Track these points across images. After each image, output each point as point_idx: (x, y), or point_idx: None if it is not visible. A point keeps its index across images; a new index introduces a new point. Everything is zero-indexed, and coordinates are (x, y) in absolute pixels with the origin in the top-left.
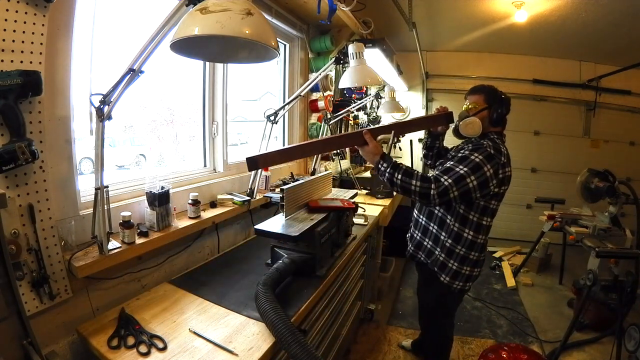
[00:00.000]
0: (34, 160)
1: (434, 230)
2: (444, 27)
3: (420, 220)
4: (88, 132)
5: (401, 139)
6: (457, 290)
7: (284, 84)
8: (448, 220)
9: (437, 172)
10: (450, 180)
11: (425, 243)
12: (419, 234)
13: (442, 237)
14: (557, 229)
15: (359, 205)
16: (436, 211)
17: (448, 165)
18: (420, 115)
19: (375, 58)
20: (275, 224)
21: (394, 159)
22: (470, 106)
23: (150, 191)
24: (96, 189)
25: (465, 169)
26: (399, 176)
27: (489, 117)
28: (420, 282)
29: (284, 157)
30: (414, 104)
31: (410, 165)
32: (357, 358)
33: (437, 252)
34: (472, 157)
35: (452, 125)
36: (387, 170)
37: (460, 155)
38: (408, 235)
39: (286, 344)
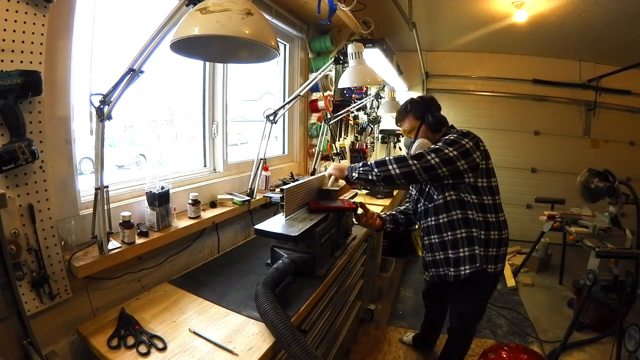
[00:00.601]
0: (34, 160)
1: (463, 234)
2: (444, 27)
3: (446, 237)
4: (88, 132)
5: (401, 139)
6: (499, 273)
7: (284, 84)
8: (470, 215)
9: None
10: (429, 151)
11: (461, 254)
12: (451, 252)
13: (474, 234)
14: (557, 229)
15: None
16: (455, 217)
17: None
18: (329, 203)
19: (375, 58)
20: (275, 224)
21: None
22: (408, 130)
23: (150, 191)
24: (96, 189)
25: (441, 144)
26: (375, 169)
27: (429, 127)
28: (460, 294)
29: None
30: None
31: None
32: (357, 358)
33: (476, 251)
34: (446, 137)
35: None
36: (361, 170)
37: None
38: (432, 270)
39: (286, 344)
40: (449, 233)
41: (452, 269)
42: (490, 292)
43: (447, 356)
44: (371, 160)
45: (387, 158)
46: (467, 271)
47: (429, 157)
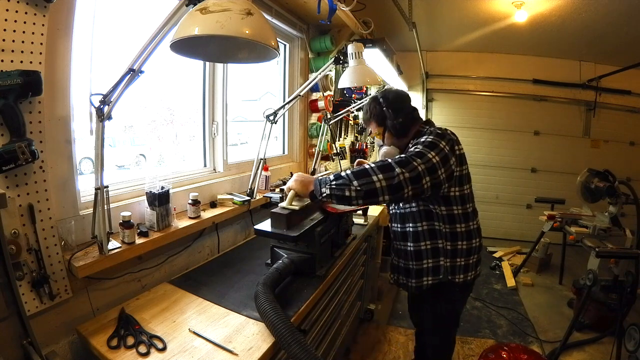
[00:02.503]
0: (34, 160)
1: (429, 247)
2: (444, 27)
3: (409, 248)
4: (88, 132)
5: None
6: (470, 282)
7: (284, 84)
8: (437, 227)
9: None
10: (412, 155)
11: (425, 266)
12: (414, 263)
13: (440, 246)
14: (557, 229)
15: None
16: (420, 228)
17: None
18: None
19: (375, 58)
20: None
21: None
22: (376, 133)
23: (150, 191)
24: (96, 189)
25: (420, 147)
26: (355, 182)
27: (393, 134)
28: (426, 304)
29: None
30: (414, 104)
31: None
32: (357, 358)
33: (442, 262)
34: (423, 139)
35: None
36: (334, 184)
37: (410, 146)
38: (396, 275)
39: (286, 344)
40: (412, 244)
41: (413, 280)
42: (460, 301)
43: None
44: (347, 170)
45: (367, 166)
46: (430, 282)
47: (415, 164)
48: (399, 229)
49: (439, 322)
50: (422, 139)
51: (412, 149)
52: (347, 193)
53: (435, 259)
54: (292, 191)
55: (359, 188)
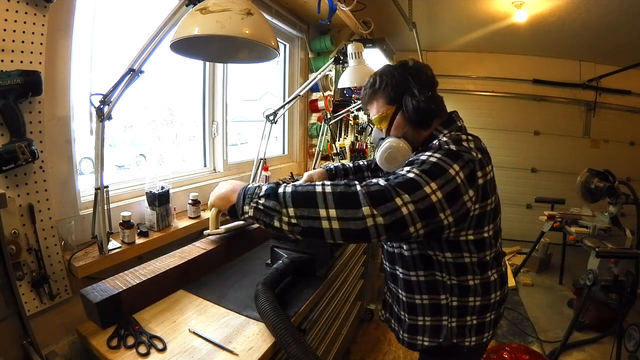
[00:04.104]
0: (34, 160)
1: (427, 302)
2: (444, 27)
3: (401, 296)
4: (88, 132)
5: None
6: (485, 344)
7: (284, 84)
8: (439, 278)
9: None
10: (397, 184)
11: (421, 323)
12: (407, 315)
13: (442, 302)
14: (557, 229)
15: None
16: (415, 278)
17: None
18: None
19: (375, 58)
20: None
21: (266, 184)
22: (377, 120)
23: (150, 191)
24: (96, 189)
25: (417, 169)
26: (291, 210)
27: (409, 118)
28: None
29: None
30: None
31: None
32: (357, 358)
33: (445, 322)
34: (425, 157)
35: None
36: (262, 203)
37: (409, 160)
38: (387, 314)
39: (286, 344)
40: (404, 293)
41: (405, 335)
42: None
43: None
44: (289, 186)
45: (319, 186)
46: (426, 344)
47: (397, 203)
48: (387, 268)
49: None
50: (425, 155)
51: (403, 171)
52: (275, 223)
53: (435, 317)
54: (213, 209)
55: (293, 220)
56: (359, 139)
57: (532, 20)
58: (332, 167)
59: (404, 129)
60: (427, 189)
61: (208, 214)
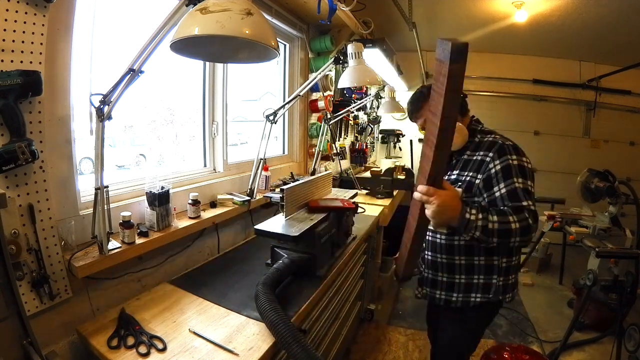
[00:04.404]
0: (34, 160)
1: (463, 262)
2: (444, 27)
3: (457, 261)
4: (88, 132)
5: (401, 139)
6: (502, 304)
7: (284, 84)
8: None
9: (509, 202)
10: (530, 201)
11: (476, 281)
12: (445, 275)
13: (495, 262)
14: (557, 229)
15: (359, 205)
16: (456, 242)
17: (506, 189)
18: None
19: (375, 58)
20: (275, 224)
21: (475, 212)
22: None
23: (150, 191)
24: (96, 189)
25: (521, 178)
26: (495, 218)
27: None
28: (464, 321)
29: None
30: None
31: (410, 164)
32: (357, 358)
33: (494, 281)
34: (510, 162)
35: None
36: (480, 219)
37: (498, 168)
38: (428, 289)
39: (286, 344)
40: (463, 257)
41: (459, 295)
42: (492, 320)
43: None
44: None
45: (513, 226)
46: (478, 300)
47: (533, 207)
48: (443, 241)
49: (465, 342)
50: (509, 160)
51: (514, 184)
52: (487, 227)
53: (488, 275)
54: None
55: (497, 226)
56: (359, 139)
57: (532, 20)
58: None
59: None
60: (530, 188)
61: (208, 214)
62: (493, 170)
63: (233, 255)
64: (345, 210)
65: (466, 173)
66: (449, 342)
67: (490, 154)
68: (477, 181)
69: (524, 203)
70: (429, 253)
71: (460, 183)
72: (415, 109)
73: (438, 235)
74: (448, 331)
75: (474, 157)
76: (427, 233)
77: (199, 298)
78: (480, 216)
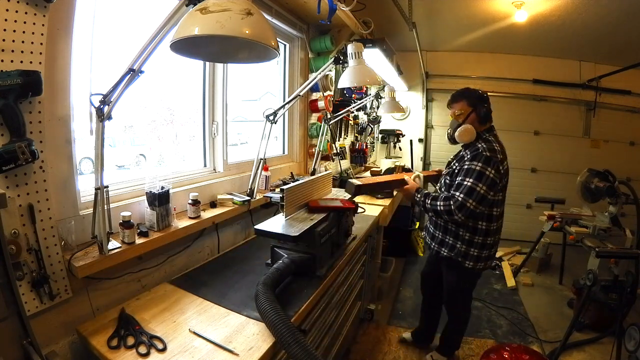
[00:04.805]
0: (34, 160)
1: (453, 228)
2: (444, 27)
3: (439, 221)
4: (88, 132)
5: (401, 139)
6: (478, 271)
7: (284, 84)
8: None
9: (452, 190)
10: (462, 195)
11: (447, 240)
12: (440, 233)
13: (460, 233)
14: (557, 229)
15: (359, 205)
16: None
17: (457, 181)
18: (387, 177)
19: (375, 58)
20: (275, 224)
21: (424, 190)
22: (457, 113)
23: (150, 191)
24: (96, 189)
25: (471, 180)
26: (428, 201)
27: (477, 118)
28: (444, 270)
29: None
30: (414, 104)
31: (410, 164)
32: (357, 358)
33: (458, 245)
34: (474, 167)
35: (449, 133)
36: (421, 199)
37: (465, 167)
38: (427, 234)
39: (286, 344)
40: (443, 220)
41: (436, 245)
42: (466, 283)
43: (454, 331)
44: (430, 192)
45: (439, 208)
46: (445, 254)
47: (467, 205)
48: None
49: (450, 289)
50: (473, 165)
51: (464, 182)
52: (425, 205)
53: (455, 239)
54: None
55: (429, 206)
56: (359, 139)
57: (532, 20)
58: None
59: (472, 121)
60: (478, 189)
61: (208, 214)
62: (463, 167)
63: (233, 255)
64: (345, 210)
65: (456, 164)
66: (445, 285)
67: (469, 156)
68: (456, 170)
69: (457, 194)
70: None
71: (450, 169)
72: (454, 100)
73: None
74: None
75: (463, 154)
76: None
77: (199, 298)
78: (422, 198)
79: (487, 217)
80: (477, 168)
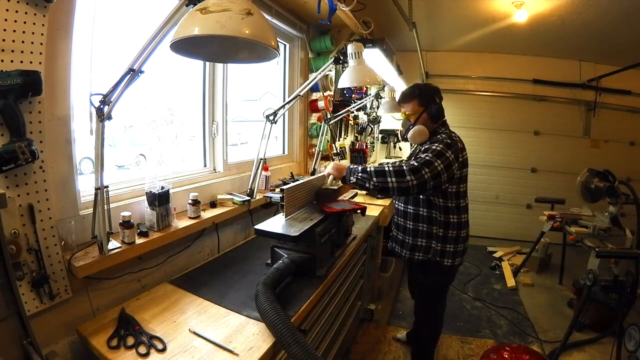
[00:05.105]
0: (34, 160)
1: (424, 228)
2: (444, 27)
3: (408, 225)
4: (88, 132)
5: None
6: (456, 266)
7: (284, 84)
8: (434, 215)
9: (411, 160)
10: (418, 163)
11: (419, 243)
12: (410, 238)
13: (434, 231)
14: (557, 229)
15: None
16: (421, 212)
17: (420, 155)
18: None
19: (375, 58)
20: (275, 224)
21: (359, 166)
22: (409, 113)
23: (150, 191)
24: (96, 189)
25: (430, 155)
26: (374, 179)
27: (429, 117)
28: (418, 274)
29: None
30: None
31: None
32: (357, 358)
33: (433, 245)
34: (434, 147)
35: (401, 132)
36: (359, 176)
37: (424, 148)
38: (393, 243)
39: (286, 344)
40: (411, 223)
41: (407, 252)
42: (447, 282)
43: (425, 339)
44: (371, 164)
45: (386, 168)
46: (420, 258)
47: (423, 172)
48: (401, 208)
49: (427, 293)
50: (434, 146)
51: (422, 155)
52: (367, 185)
53: (428, 240)
54: (331, 175)
55: (376, 184)
56: (359, 139)
57: (532, 20)
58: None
59: (425, 121)
60: (436, 164)
61: (208, 214)
62: (424, 147)
63: (233, 255)
64: (355, 210)
65: (419, 147)
66: (419, 290)
67: (431, 141)
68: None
69: (413, 161)
70: (395, 216)
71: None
72: (404, 100)
73: (402, 205)
74: (413, 282)
75: (419, 150)
76: (400, 204)
77: (199, 298)
78: (360, 175)
79: (456, 209)
80: (438, 148)
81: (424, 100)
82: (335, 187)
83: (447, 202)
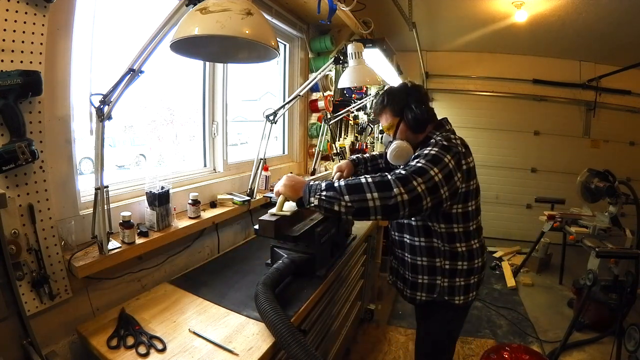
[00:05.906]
0: (34, 160)
1: (425, 263)
2: (444, 27)
3: (407, 258)
4: (88, 132)
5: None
6: (470, 303)
7: (284, 84)
8: (436, 245)
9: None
10: (406, 171)
11: (420, 281)
12: (410, 274)
13: (437, 265)
14: (557, 229)
15: None
16: (418, 243)
17: (413, 161)
18: None
19: (375, 58)
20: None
21: (323, 181)
22: (386, 127)
23: (150, 191)
24: (96, 189)
25: (423, 161)
26: (346, 197)
27: (408, 127)
28: (421, 320)
29: None
30: None
31: None
32: (357, 358)
33: (438, 281)
34: (427, 151)
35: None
36: (324, 195)
37: (423, 151)
38: (394, 278)
39: (286, 344)
40: (409, 256)
41: (408, 291)
42: (457, 324)
43: None
44: (342, 181)
45: (363, 180)
46: (424, 298)
47: (415, 183)
48: (396, 237)
49: (431, 345)
50: (426, 150)
51: (413, 162)
52: (336, 207)
53: (431, 276)
54: (281, 196)
55: (349, 204)
56: (359, 139)
57: (532, 20)
58: (354, 157)
59: (405, 133)
60: (432, 173)
61: (208, 214)
62: (415, 154)
63: (233, 255)
64: None
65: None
66: (423, 334)
67: (423, 146)
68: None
69: (401, 170)
70: (393, 246)
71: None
72: (375, 113)
73: (397, 234)
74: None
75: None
76: (395, 234)
77: (199, 298)
78: (325, 194)
79: (464, 235)
80: (432, 152)
81: (396, 108)
82: (287, 213)
83: (451, 227)
